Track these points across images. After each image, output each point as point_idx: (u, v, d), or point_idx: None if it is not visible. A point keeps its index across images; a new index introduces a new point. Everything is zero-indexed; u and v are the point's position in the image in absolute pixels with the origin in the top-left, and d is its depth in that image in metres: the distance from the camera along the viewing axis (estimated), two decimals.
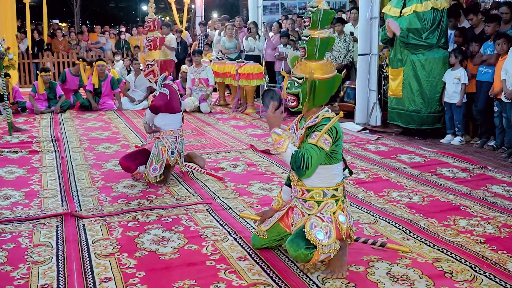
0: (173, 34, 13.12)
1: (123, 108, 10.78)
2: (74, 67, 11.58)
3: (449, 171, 5.79)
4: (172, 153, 5.46)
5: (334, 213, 3.30)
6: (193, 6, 20.50)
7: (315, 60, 3.35)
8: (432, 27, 7.24)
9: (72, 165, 6.23)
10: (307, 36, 3.36)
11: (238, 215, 4.41)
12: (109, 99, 10.88)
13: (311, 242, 3.17)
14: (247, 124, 9.03)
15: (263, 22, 12.45)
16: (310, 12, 3.38)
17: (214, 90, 11.27)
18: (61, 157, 6.58)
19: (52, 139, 7.66)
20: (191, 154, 5.95)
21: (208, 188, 5.28)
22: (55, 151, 6.95)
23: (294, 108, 3.38)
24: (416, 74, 7.37)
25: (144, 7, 38.60)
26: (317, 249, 3.16)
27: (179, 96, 5.66)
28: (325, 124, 3.21)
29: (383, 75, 8.59)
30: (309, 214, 3.34)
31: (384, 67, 8.53)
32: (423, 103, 7.40)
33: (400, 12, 7.44)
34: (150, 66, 5.57)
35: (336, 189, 3.34)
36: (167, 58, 5.74)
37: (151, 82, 5.66)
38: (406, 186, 5.24)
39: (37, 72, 11.00)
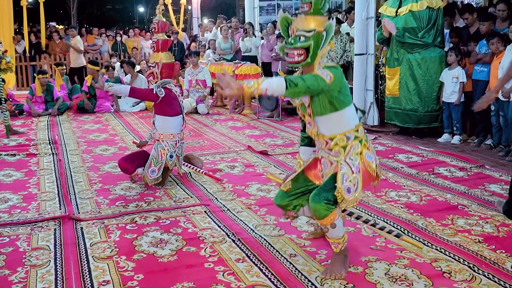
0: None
1: (120, 110, 10.77)
2: (55, 74, 11.60)
3: (446, 170, 5.80)
4: (171, 156, 5.46)
5: (360, 153, 3.34)
6: (189, 7, 20.48)
7: (321, 15, 3.31)
8: (428, 26, 7.25)
9: (70, 168, 6.22)
10: None
11: (265, 176, 4.32)
12: (105, 101, 10.87)
13: (338, 197, 3.22)
14: (245, 125, 9.03)
15: (259, 23, 12.46)
16: None
17: (211, 91, 11.28)
18: (59, 159, 6.58)
19: (49, 142, 7.65)
20: (189, 155, 5.97)
21: (206, 189, 5.27)
22: (53, 153, 6.94)
23: (300, 63, 3.30)
24: (413, 73, 7.38)
25: (141, 9, 38.65)
26: (335, 208, 3.24)
27: (179, 100, 5.64)
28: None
29: (379, 75, 8.60)
30: (337, 161, 3.35)
31: (381, 66, 8.53)
32: (420, 102, 7.40)
33: (396, 11, 7.45)
34: (151, 67, 5.58)
35: (357, 131, 3.37)
36: (171, 61, 5.72)
37: (151, 84, 5.65)
38: (404, 186, 5.24)
39: (34, 74, 11.00)
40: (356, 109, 3.53)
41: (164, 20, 5.80)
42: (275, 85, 2.96)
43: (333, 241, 3.38)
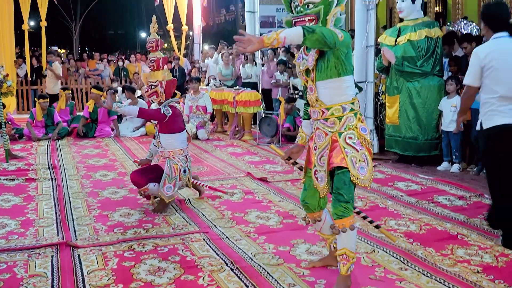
0: (59, 63, 13.14)
1: (120, 135, 10.79)
2: (60, 98, 11.62)
3: (446, 199, 5.79)
4: (185, 171, 5.54)
5: (356, 127, 3.46)
6: (191, 33, 20.66)
7: None
8: (427, 55, 7.31)
9: (69, 193, 6.21)
10: None
11: (269, 146, 4.37)
12: (106, 126, 10.90)
13: (355, 182, 3.37)
14: (245, 151, 9.04)
15: (260, 50, 12.54)
16: None
17: (212, 117, 11.32)
18: (58, 185, 6.57)
19: (49, 167, 7.65)
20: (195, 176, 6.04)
21: (205, 216, 5.26)
22: (52, 178, 6.94)
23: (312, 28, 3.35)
24: (412, 102, 7.41)
25: (143, 35, 38.92)
26: (353, 207, 3.44)
27: (183, 117, 5.73)
28: None
29: (379, 103, 8.63)
30: (332, 132, 3.47)
31: (380, 94, 8.57)
32: (419, 130, 7.42)
33: (395, 41, 7.52)
34: (153, 86, 5.57)
35: (353, 103, 3.48)
36: (170, 78, 5.75)
37: (153, 103, 5.66)
38: (403, 215, 5.23)
39: (35, 99, 11.04)
40: (355, 84, 3.64)
41: (159, 38, 5.81)
42: (294, 33, 3.12)
43: (343, 253, 3.42)
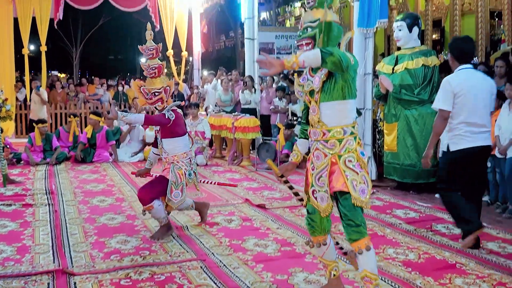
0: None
1: (118, 160, 10.79)
2: (67, 124, 11.63)
3: (444, 227, 5.77)
4: (190, 174, 5.54)
5: (355, 150, 3.52)
6: (190, 58, 20.80)
7: (327, 8, 3.56)
8: (424, 83, 7.36)
9: (66, 219, 6.18)
10: None
11: (266, 162, 4.40)
12: (104, 151, 10.90)
13: (357, 205, 3.42)
14: (243, 177, 9.03)
15: (259, 76, 12.61)
16: None
17: (210, 142, 11.33)
18: (55, 210, 6.54)
19: (46, 192, 7.63)
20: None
21: (203, 244, 5.23)
22: (49, 204, 6.91)
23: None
24: (410, 129, 7.44)
25: (143, 60, 39.11)
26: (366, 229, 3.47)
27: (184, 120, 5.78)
28: None
29: (377, 129, 8.65)
30: (331, 153, 3.52)
31: (378, 121, 8.60)
32: (418, 158, 7.42)
33: (393, 69, 7.58)
34: (157, 93, 5.55)
35: (353, 126, 3.56)
36: (170, 82, 5.77)
37: (157, 110, 5.65)
38: (402, 243, 5.21)
39: (34, 124, 11.04)
40: (356, 109, 3.68)
41: (156, 45, 5.80)
42: (312, 55, 3.24)
43: (364, 276, 3.45)
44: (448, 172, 5.06)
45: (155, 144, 5.79)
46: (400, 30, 7.49)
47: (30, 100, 13.98)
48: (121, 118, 5.35)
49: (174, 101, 5.96)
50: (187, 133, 5.71)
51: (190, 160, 5.60)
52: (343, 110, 3.51)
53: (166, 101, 5.61)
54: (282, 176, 3.86)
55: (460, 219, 5.00)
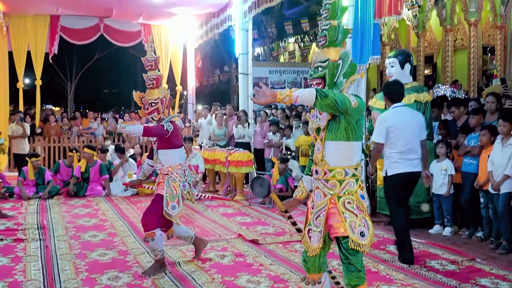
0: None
1: (111, 194, 10.74)
2: (68, 159, 11.59)
3: (438, 263, 5.75)
4: (184, 186, 5.53)
5: (355, 192, 3.49)
6: (185, 92, 20.91)
7: (336, 47, 3.61)
8: None
9: (57, 255, 6.12)
10: (327, 25, 3.63)
11: (270, 195, 4.42)
12: (97, 185, 10.86)
13: (355, 248, 3.38)
14: (236, 211, 9.00)
15: (253, 110, 12.70)
16: (328, 4, 3.64)
17: (204, 176, 11.32)
18: (46, 246, 6.49)
19: (38, 227, 7.57)
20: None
21: (195, 280, 5.18)
22: (40, 239, 6.85)
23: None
24: None
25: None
26: (364, 282, 3.44)
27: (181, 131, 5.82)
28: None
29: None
30: (331, 194, 3.50)
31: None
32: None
33: (385, 105, 7.61)
34: (153, 104, 5.60)
35: (356, 169, 3.52)
36: (166, 93, 5.79)
37: (153, 120, 5.68)
38: (396, 280, 5.18)
39: (26, 158, 11.00)
40: (363, 149, 3.66)
41: (155, 57, 5.85)
42: (306, 93, 3.24)
43: None
44: (389, 195, 5.99)
45: (150, 155, 5.84)
46: (392, 66, 7.56)
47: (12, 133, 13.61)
48: (120, 130, 5.41)
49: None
50: (183, 146, 5.77)
51: (185, 172, 5.61)
52: (347, 151, 3.50)
53: (163, 112, 5.65)
54: (286, 211, 3.85)
55: (401, 245, 5.84)
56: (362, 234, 3.40)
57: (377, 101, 7.79)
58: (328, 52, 3.60)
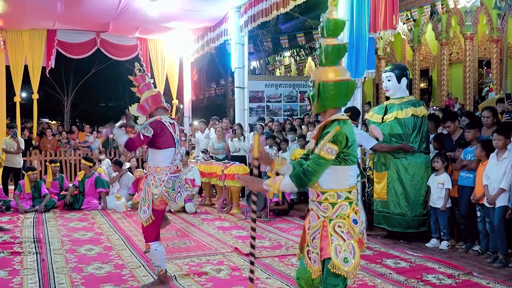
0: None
1: (107, 208, 10.72)
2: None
3: (435, 277, 5.74)
4: (167, 192, 5.23)
5: (348, 216, 3.40)
6: (181, 106, 20.92)
7: (326, 66, 3.49)
8: (413, 133, 7.44)
9: (53, 268, 6.11)
10: (318, 45, 3.58)
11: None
12: (93, 198, 10.85)
13: (335, 272, 3.31)
14: (232, 225, 8.99)
15: (249, 124, 12.74)
16: (321, 23, 3.56)
17: (200, 190, 11.31)
18: (42, 259, 6.47)
19: (34, 240, 7.55)
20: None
21: None
22: (37, 252, 6.84)
23: (310, 111, 3.61)
24: (400, 178, 7.47)
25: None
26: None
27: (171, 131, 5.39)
28: (329, 131, 3.35)
29: (366, 178, 8.67)
30: (324, 217, 3.43)
31: (368, 170, 8.64)
32: (408, 206, 7.44)
33: (382, 118, 7.66)
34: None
35: (349, 191, 3.44)
36: (154, 92, 5.60)
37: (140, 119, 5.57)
38: None
39: (23, 171, 11.00)
40: (360, 170, 3.62)
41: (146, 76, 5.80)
42: (288, 185, 3.38)
43: None
44: None
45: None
46: (389, 80, 7.61)
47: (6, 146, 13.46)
48: (112, 134, 5.35)
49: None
50: (173, 148, 5.37)
51: (164, 177, 5.26)
52: (339, 174, 3.42)
53: (150, 109, 5.48)
54: (257, 159, 3.64)
55: None
56: (345, 260, 3.31)
57: (374, 114, 7.83)
58: (316, 73, 3.53)
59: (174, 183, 5.34)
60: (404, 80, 7.60)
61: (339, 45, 3.50)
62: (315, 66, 3.95)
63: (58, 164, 11.42)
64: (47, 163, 11.61)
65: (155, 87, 5.84)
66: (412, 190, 7.43)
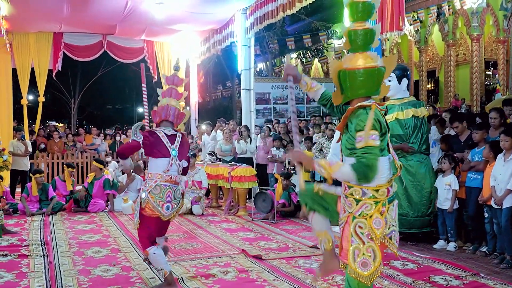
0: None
1: (115, 210, 10.75)
2: (63, 174, 11.65)
3: (442, 278, 5.72)
4: (160, 202, 5.30)
5: (370, 216, 3.22)
6: (188, 108, 20.95)
7: (353, 52, 3.34)
8: (414, 133, 7.42)
9: (60, 271, 6.12)
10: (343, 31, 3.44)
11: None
12: (100, 199, 10.88)
13: (353, 276, 3.20)
14: (239, 227, 8.98)
15: (256, 125, 12.74)
16: (346, 5, 3.42)
17: (207, 192, 11.32)
18: (49, 262, 6.49)
19: (41, 243, 7.57)
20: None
21: None
22: (44, 255, 6.86)
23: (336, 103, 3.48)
24: (401, 178, 7.40)
25: (140, 109, 39.43)
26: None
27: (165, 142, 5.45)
28: (362, 120, 3.17)
29: None
30: (349, 212, 3.29)
31: None
32: (409, 207, 7.39)
33: None
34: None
35: (376, 190, 3.25)
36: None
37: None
38: None
39: (30, 174, 11.04)
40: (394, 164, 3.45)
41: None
42: (345, 175, 3.18)
43: None
44: None
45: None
46: (390, 81, 7.59)
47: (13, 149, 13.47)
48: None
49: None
50: (167, 158, 5.41)
51: (156, 181, 5.34)
52: None
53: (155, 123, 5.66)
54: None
55: None
56: (364, 265, 3.20)
57: None
58: (344, 59, 3.39)
59: (163, 191, 5.37)
60: (404, 81, 7.59)
61: (364, 30, 3.32)
62: (321, 68, 3.87)
63: (43, 174, 11.28)
64: (64, 166, 11.59)
65: (162, 88, 5.92)
66: (413, 190, 7.38)
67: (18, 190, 12.31)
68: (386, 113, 7.47)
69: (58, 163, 15.39)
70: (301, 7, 10.27)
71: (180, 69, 5.94)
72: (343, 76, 3.29)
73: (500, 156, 6.47)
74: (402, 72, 7.60)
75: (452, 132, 8.03)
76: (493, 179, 6.43)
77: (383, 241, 3.29)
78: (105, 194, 10.95)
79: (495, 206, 6.41)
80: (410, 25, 18.12)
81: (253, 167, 10.91)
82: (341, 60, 3.39)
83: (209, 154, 12.07)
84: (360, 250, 3.22)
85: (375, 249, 3.24)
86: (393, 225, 3.35)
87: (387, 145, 3.37)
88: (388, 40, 21.49)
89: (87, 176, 11.10)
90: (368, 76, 3.26)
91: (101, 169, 11.15)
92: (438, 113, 10.87)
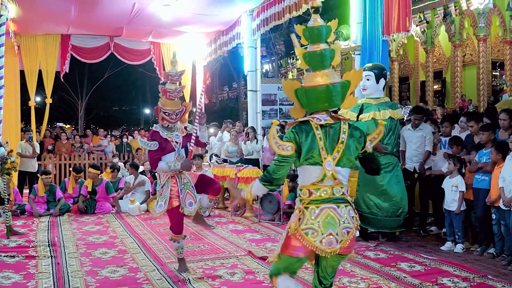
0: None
1: (121, 211, 10.76)
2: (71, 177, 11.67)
3: (450, 280, 5.71)
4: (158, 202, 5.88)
5: (295, 210, 3.62)
6: (194, 109, 20.96)
7: (313, 71, 3.62)
8: (388, 134, 7.41)
9: (68, 272, 6.15)
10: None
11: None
12: (105, 202, 10.89)
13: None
14: (246, 228, 8.99)
15: (262, 127, 12.74)
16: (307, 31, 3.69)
17: None
18: (57, 263, 6.51)
19: (49, 244, 7.60)
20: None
21: None
22: (51, 256, 6.88)
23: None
24: (371, 178, 7.25)
25: (147, 111, 39.53)
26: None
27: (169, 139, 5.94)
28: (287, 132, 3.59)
29: None
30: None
31: None
32: (377, 206, 7.36)
33: (357, 116, 7.46)
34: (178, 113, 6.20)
35: (301, 189, 3.60)
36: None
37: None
38: None
39: (38, 175, 11.08)
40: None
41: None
42: (256, 188, 3.61)
43: None
44: None
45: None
46: (368, 79, 7.54)
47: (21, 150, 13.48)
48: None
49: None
50: (172, 153, 5.91)
51: (164, 175, 5.90)
52: (300, 173, 3.63)
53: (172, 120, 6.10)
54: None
55: None
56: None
57: (348, 112, 7.56)
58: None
59: (169, 183, 5.91)
60: (382, 81, 7.57)
61: (319, 51, 3.58)
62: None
63: (50, 175, 11.30)
64: (71, 169, 11.64)
65: None
66: (381, 191, 7.37)
67: (26, 191, 12.35)
68: (361, 111, 7.45)
69: (65, 165, 15.43)
70: (307, 8, 10.27)
71: (177, 62, 6.17)
72: (300, 93, 3.58)
73: (509, 157, 6.43)
74: (380, 72, 7.56)
75: (457, 133, 7.99)
76: (502, 180, 6.40)
77: (295, 233, 3.54)
78: (110, 197, 10.96)
79: (503, 208, 6.38)
80: (417, 26, 18.08)
81: (259, 168, 10.90)
82: (293, 79, 3.85)
83: (214, 155, 12.07)
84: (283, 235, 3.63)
85: (284, 237, 3.62)
86: (315, 225, 3.51)
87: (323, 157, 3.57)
88: (394, 41, 21.46)
89: (84, 185, 10.94)
90: (324, 92, 3.53)
91: (98, 174, 11.14)
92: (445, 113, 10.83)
